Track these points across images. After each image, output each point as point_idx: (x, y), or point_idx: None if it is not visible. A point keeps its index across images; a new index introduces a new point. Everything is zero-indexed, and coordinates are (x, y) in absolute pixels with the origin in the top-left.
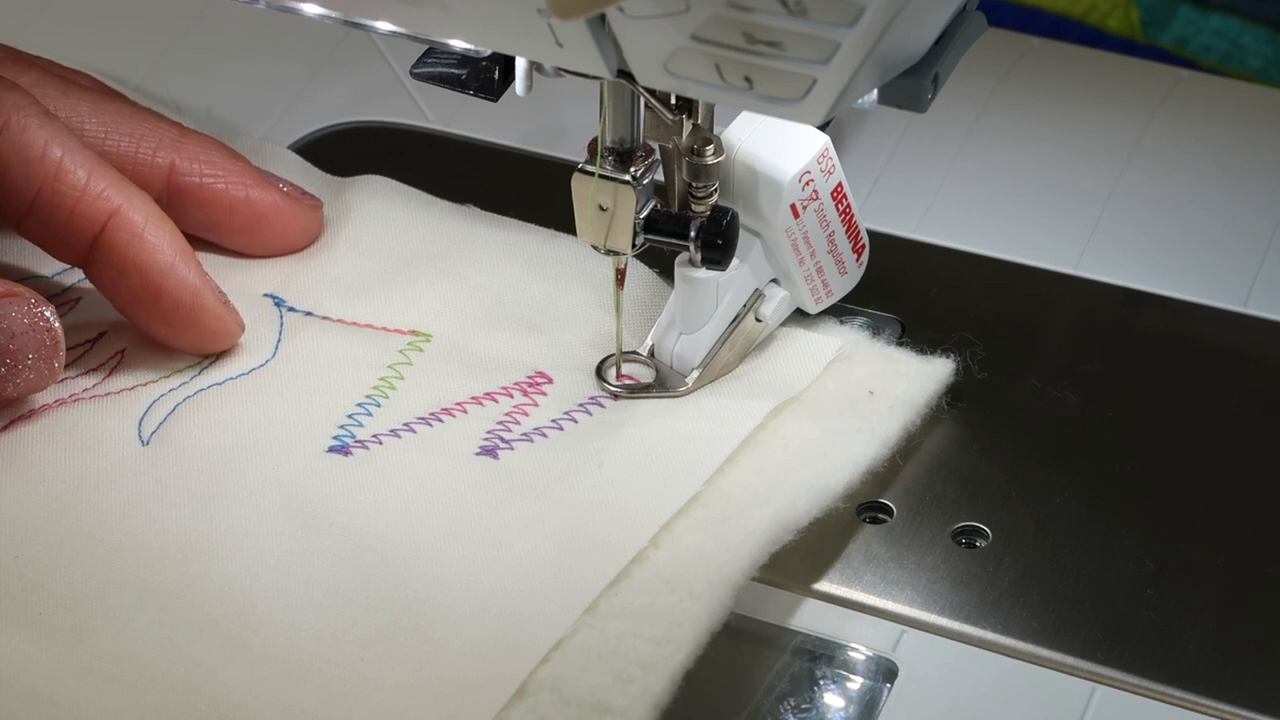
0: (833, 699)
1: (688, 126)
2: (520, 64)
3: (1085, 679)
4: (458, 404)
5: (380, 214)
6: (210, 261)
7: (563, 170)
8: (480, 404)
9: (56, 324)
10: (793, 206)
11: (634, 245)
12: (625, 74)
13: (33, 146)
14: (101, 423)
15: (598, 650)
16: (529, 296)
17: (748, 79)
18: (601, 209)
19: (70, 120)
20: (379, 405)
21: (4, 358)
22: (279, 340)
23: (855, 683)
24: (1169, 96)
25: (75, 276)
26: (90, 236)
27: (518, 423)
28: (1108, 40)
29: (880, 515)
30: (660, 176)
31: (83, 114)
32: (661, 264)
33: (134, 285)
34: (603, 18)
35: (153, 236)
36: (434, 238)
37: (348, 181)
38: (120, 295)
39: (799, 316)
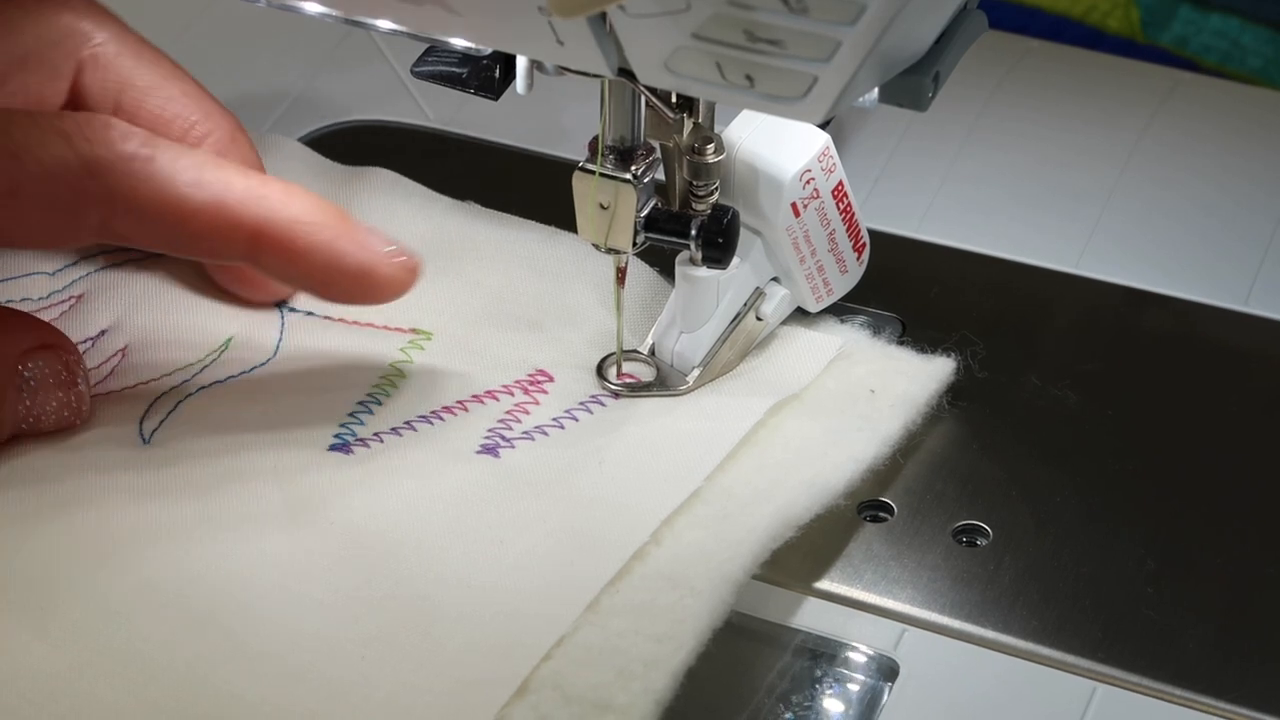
0: (833, 697)
1: (688, 125)
2: (521, 63)
3: (1086, 678)
4: (458, 402)
5: (382, 211)
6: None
7: (563, 169)
8: (481, 402)
9: (83, 385)
10: (793, 205)
11: (635, 244)
12: (626, 72)
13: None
14: (103, 421)
15: (599, 647)
16: (530, 294)
17: (749, 77)
18: (602, 207)
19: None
20: (380, 403)
21: (26, 416)
22: (279, 339)
23: (856, 681)
24: (1169, 98)
25: (75, 274)
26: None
27: (519, 421)
28: (1107, 40)
29: (881, 514)
30: (661, 175)
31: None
32: (662, 263)
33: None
34: (603, 16)
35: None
36: (435, 235)
37: (353, 172)
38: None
39: (800, 315)
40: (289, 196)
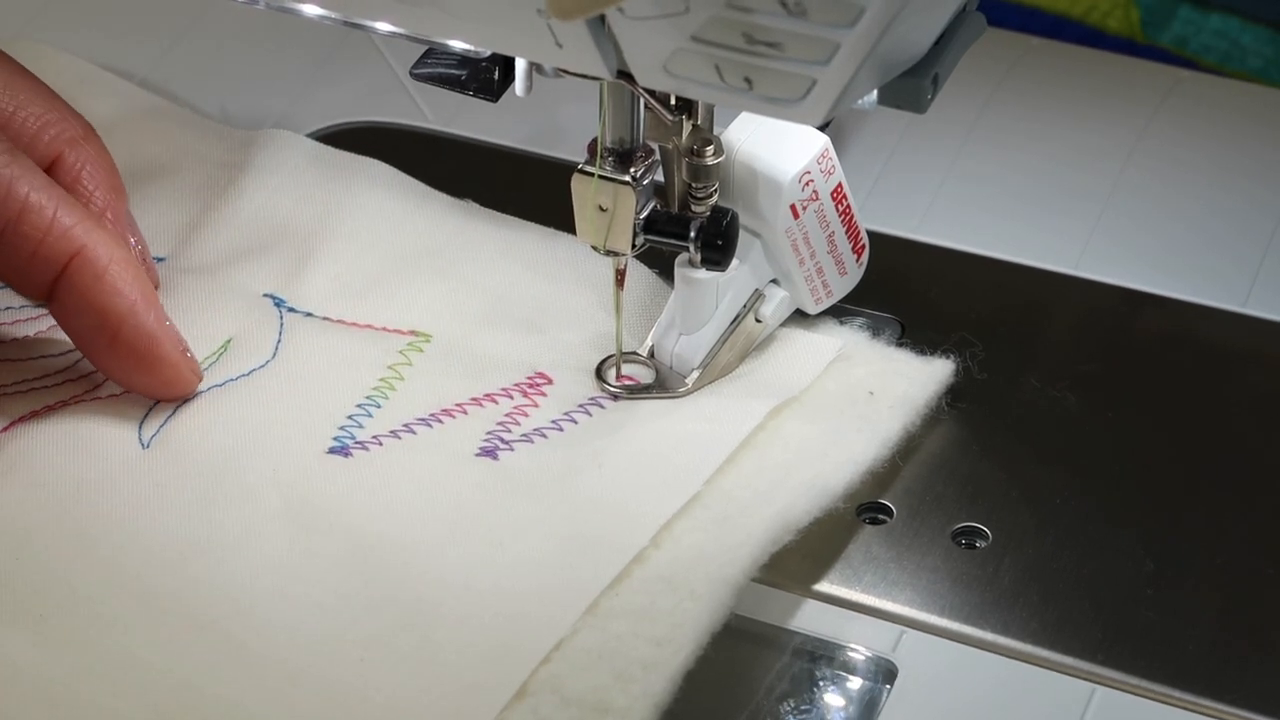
0: (833, 699)
1: (687, 127)
2: (520, 64)
3: (1085, 679)
4: (458, 405)
5: (380, 207)
6: (206, 261)
7: (563, 171)
8: (480, 405)
9: None
10: (792, 207)
11: (634, 246)
12: (625, 75)
13: None
14: (102, 425)
15: (598, 650)
16: (529, 296)
17: (747, 80)
18: (601, 209)
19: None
20: (379, 406)
21: None
22: (279, 341)
23: (855, 683)
24: (1169, 96)
25: None
26: (53, 276)
27: (518, 423)
28: (1107, 40)
29: (880, 516)
30: (660, 177)
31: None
32: (661, 264)
33: (91, 326)
34: (602, 18)
35: (114, 278)
36: (434, 235)
37: (352, 160)
38: (77, 334)
39: (799, 317)
40: None
